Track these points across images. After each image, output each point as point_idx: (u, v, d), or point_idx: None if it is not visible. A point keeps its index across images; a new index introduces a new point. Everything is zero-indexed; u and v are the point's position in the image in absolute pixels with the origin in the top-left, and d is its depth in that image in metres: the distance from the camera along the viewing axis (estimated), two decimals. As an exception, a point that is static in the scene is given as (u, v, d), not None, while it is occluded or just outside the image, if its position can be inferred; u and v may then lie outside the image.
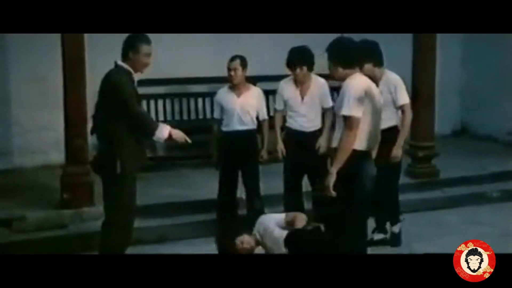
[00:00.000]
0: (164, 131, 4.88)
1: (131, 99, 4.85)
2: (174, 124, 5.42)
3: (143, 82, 7.47)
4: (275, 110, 6.32)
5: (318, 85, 6.12)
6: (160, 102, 8.59)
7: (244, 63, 6.11)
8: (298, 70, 5.97)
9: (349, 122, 4.46)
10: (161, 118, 8.47)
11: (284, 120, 6.25)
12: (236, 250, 5.24)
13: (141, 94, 7.82)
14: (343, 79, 4.61)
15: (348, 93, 4.48)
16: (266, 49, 8.33)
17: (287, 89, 6.14)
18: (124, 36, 5.00)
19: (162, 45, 7.43)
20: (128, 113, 4.85)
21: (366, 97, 4.48)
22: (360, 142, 4.52)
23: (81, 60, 6.14)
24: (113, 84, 4.87)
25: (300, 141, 6.07)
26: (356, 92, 4.45)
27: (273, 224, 5.41)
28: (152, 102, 8.46)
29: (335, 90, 6.61)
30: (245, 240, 5.28)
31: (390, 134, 5.70)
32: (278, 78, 6.57)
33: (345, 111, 4.48)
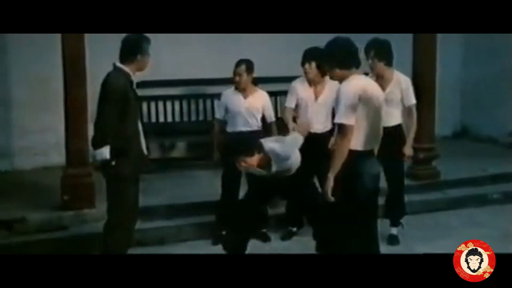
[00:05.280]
0: (103, 153, 4.84)
1: (109, 108, 4.83)
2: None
3: (153, 83, 7.54)
4: (285, 108, 6.33)
5: (333, 87, 6.11)
6: (169, 103, 8.63)
7: (249, 68, 6.12)
8: (306, 65, 6.00)
9: (342, 130, 4.50)
10: (171, 119, 8.56)
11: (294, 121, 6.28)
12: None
13: (152, 95, 7.97)
14: (340, 79, 4.62)
15: (341, 100, 4.51)
16: (269, 51, 8.34)
17: (300, 88, 6.17)
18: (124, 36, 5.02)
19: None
20: (97, 116, 4.88)
21: (360, 102, 4.48)
22: (358, 142, 4.53)
23: (82, 60, 6.13)
24: (107, 87, 4.88)
25: (311, 143, 6.04)
26: (349, 99, 4.46)
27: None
28: (160, 104, 8.52)
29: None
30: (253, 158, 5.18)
31: (395, 132, 5.80)
32: (279, 79, 6.58)
33: (337, 119, 4.52)
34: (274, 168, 5.25)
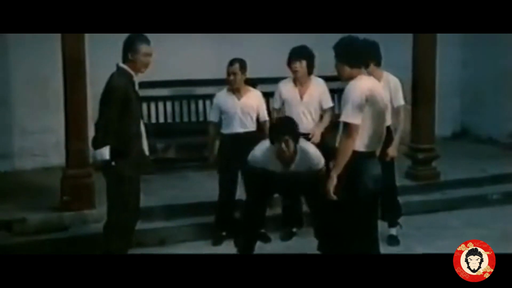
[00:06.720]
0: (103, 154, 4.84)
1: (110, 108, 4.83)
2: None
3: (149, 84, 7.55)
4: (273, 109, 6.37)
5: (318, 85, 6.17)
6: (167, 104, 8.65)
7: (243, 67, 6.12)
8: (297, 64, 6.00)
9: (347, 129, 4.50)
10: (169, 120, 8.61)
11: None
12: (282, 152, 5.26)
13: (147, 96, 7.98)
14: (348, 79, 4.62)
15: (348, 100, 4.51)
16: (268, 51, 8.33)
17: (285, 88, 6.18)
18: (125, 36, 5.00)
19: (167, 47, 7.51)
20: (99, 116, 4.89)
21: (366, 103, 4.49)
22: (361, 143, 4.54)
23: (82, 61, 6.13)
24: (109, 87, 4.88)
25: None
26: (356, 99, 4.47)
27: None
28: (160, 104, 8.55)
29: (334, 93, 6.63)
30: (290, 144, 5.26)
31: (386, 133, 5.79)
32: (279, 80, 6.57)
33: (343, 118, 4.52)
34: (292, 167, 5.36)
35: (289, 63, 6.08)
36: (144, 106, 8.34)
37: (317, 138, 6.03)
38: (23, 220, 6.13)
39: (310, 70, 6.11)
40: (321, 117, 6.20)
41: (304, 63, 6.02)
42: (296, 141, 5.31)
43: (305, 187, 5.48)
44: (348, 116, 4.48)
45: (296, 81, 6.15)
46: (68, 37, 5.97)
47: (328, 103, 6.21)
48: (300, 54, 6.04)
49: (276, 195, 5.99)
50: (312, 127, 6.11)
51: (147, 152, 5.22)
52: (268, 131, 5.89)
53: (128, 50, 4.95)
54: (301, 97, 6.13)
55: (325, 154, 5.44)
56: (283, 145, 5.24)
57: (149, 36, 5.02)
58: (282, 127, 5.40)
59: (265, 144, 5.50)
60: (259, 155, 5.47)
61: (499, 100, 9.62)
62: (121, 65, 4.98)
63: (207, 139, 6.44)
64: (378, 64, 6.01)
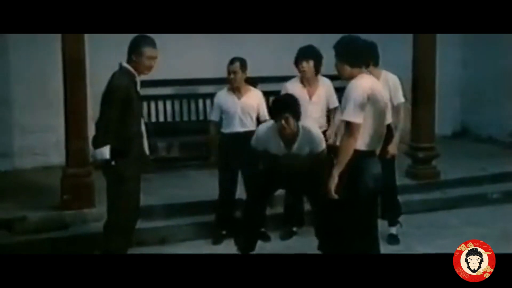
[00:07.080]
0: (103, 153, 4.83)
1: (111, 107, 4.83)
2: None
3: (150, 83, 7.56)
4: None
5: (325, 85, 6.17)
6: (168, 103, 8.67)
7: (243, 66, 6.11)
8: (304, 64, 5.99)
9: (349, 128, 4.51)
10: (169, 119, 8.63)
11: None
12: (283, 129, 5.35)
13: (148, 95, 8.00)
14: (349, 78, 4.62)
15: (350, 98, 4.51)
16: (268, 51, 8.34)
17: (293, 89, 6.14)
18: (125, 36, 5.00)
19: (168, 46, 7.52)
20: (100, 115, 4.89)
21: (368, 102, 4.49)
22: (362, 142, 4.54)
23: (82, 60, 6.13)
24: (110, 86, 4.88)
25: None
26: (358, 98, 4.47)
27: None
28: (160, 103, 8.56)
29: (338, 92, 6.64)
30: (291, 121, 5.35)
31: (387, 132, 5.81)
32: (280, 79, 6.59)
33: (345, 117, 4.52)
34: (294, 147, 5.37)
35: (297, 63, 6.08)
36: (145, 105, 8.33)
37: (332, 139, 6.01)
38: (23, 219, 6.13)
39: (317, 70, 6.10)
40: (328, 117, 6.21)
41: (311, 63, 6.02)
42: (296, 118, 5.37)
43: (306, 176, 5.48)
44: (350, 115, 4.48)
45: (304, 81, 6.14)
46: (68, 37, 5.98)
47: (335, 102, 6.22)
48: (308, 54, 6.03)
49: (277, 193, 6.00)
50: (322, 126, 6.10)
51: (147, 151, 5.22)
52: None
53: (133, 51, 4.94)
54: (310, 97, 6.12)
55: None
56: (283, 122, 5.29)
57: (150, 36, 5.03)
58: (282, 104, 5.45)
59: (267, 123, 5.63)
60: (261, 134, 5.57)
61: (499, 99, 9.62)
62: (124, 64, 4.97)
63: (208, 138, 6.45)
64: (376, 64, 6.02)
